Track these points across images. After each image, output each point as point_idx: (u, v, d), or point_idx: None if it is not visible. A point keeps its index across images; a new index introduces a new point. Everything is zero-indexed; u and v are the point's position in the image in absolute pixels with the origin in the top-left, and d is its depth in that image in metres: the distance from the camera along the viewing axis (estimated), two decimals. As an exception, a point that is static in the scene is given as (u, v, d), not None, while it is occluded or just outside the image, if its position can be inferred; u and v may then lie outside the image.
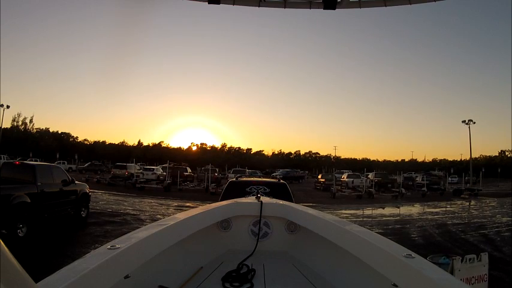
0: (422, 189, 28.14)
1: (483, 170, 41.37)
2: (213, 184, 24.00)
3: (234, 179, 6.89)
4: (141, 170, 31.58)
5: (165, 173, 28.71)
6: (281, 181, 6.71)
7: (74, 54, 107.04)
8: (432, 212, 17.35)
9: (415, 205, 20.76)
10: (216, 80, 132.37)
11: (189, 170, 32.23)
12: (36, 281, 1.03)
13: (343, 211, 16.76)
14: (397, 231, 11.35)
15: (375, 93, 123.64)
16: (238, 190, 5.35)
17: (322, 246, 2.40)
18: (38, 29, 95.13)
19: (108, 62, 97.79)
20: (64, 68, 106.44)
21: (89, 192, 11.65)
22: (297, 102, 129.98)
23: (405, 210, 18.18)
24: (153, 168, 30.62)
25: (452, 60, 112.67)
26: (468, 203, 22.82)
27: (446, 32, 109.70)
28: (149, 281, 1.89)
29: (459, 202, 23.55)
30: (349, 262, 2.04)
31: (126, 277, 1.62)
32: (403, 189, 26.27)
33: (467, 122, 45.15)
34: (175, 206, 15.90)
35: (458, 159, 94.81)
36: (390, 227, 12.28)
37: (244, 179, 7.26)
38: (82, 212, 10.90)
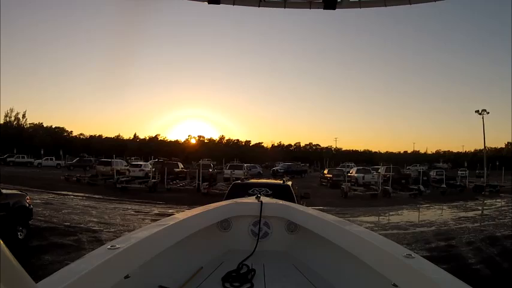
0: (442, 185, 25.00)
1: (497, 163, 38.34)
2: (205, 183, 20.52)
3: (239, 181, 7.00)
4: (127, 167, 28.58)
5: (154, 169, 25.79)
6: (285, 183, 6.57)
7: (69, 48, 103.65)
8: (468, 218, 14.39)
9: (443, 207, 17.76)
10: (215, 75, 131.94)
11: (180, 165, 28.83)
12: (36, 281, 1.01)
13: (363, 218, 13.78)
14: (447, 254, 8.42)
15: (375, 85, 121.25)
16: (241, 192, 5.28)
17: (322, 246, 2.36)
18: (29, 22, 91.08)
19: (104, 57, 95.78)
20: (57, 62, 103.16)
21: (30, 205, 8.62)
22: (297, 93, 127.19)
23: (435, 215, 15.18)
24: (141, 164, 27.48)
25: (451, 53, 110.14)
26: (499, 203, 19.75)
27: (444, 30, 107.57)
28: (149, 281, 1.87)
29: (487, 202, 20.48)
30: (349, 262, 2.01)
31: (126, 277, 1.61)
32: (421, 186, 23.19)
33: (480, 112, 41.76)
34: (155, 214, 12.84)
35: (463, 151, 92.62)
36: (433, 245, 9.33)
37: (251, 180, 7.32)
38: (19, 233, 7.97)
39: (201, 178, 20.81)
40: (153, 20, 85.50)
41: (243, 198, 3.37)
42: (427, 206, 17.91)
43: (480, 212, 16.50)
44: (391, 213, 15.37)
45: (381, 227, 12.10)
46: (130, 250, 1.61)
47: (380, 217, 14.39)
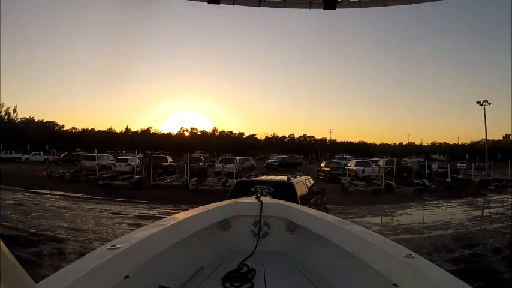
0: (447, 180, 23.67)
1: (499, 156, 37.23)
2: (194, 179, 18.79)
3: (244, 178, 7.38)
4: (114, 161, 26.95)
5: (141, 164, 24.21)
6: (290, 180, 6.55)
7: (62, 42, 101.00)
8: (484, 218, 13.11)
9: (453, 204, 16.47)
10: (209, 68, 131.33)
11: (169, 159, 27.19)
12: (36, 281, 1.01)
13: (369, 219, 12.43)
14: (476, 266, 7.08)
15: (370, 77, 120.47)
16: (244, 190, 5.46)
17: (322, 246, 2.36)
18: (20, 15, 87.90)
19: (99, 51, 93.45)
20: (50, 55, 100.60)
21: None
22: (292, 85, 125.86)
23: (447, 214, 13.86)
24: (128, 159, 25.80)
25: (447, 47, 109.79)
26: (510, 200, 18.49)
27: (443, 27, 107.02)
28: (149, 281, 1.86)
29: (497, 198, 19.21)
30: (349, 262, 2.00)
31: (126, 277, 1.59)
32: (426, 180, 21.83)
33: (482, 102, 40.71)
34: (134, 217, 11.27)
35: (459, 143, 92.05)
36: (457, 254, 7.95)
37: (255, 178, 7.14)
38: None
39: (189, 173, 19.22)
40: (152, 18, 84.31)
41: (243, 198, 3.38)
42: (436, 203, 16.59)
43: (494, 210, 15.20)
44: (399, 212, 13.99)
45: (391, 230, 10.74)
46: (130, 250, 1.59)
47: (388, 217, 13.05)
